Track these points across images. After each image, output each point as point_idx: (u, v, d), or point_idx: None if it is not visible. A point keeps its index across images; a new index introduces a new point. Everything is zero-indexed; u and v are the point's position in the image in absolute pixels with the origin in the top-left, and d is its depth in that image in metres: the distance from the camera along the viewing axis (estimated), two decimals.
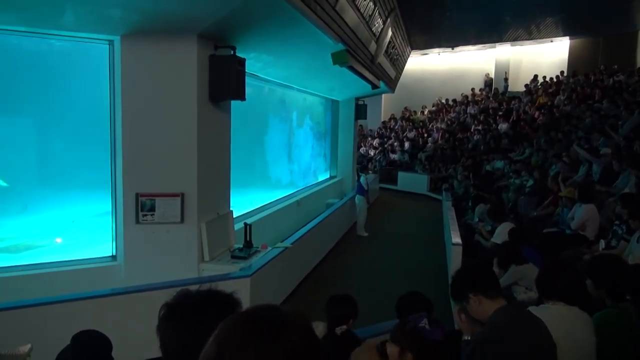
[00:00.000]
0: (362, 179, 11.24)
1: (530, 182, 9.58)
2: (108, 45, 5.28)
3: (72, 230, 5.67)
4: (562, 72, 19.56)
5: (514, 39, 19.53)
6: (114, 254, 5.50)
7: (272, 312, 0.95)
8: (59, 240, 5.64)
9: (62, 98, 5.57)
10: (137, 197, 5.21)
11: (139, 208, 5.22)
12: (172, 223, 5.28)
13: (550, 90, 18.12)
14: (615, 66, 17.30)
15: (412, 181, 17.53)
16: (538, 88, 19.19)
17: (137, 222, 5.24)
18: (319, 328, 3.38)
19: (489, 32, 18.01)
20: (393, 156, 19.77)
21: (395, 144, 20.68)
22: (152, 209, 5.23)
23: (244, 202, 7.82)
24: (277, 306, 0.98)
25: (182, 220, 5.30)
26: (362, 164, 16.30)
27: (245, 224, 6.15)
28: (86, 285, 4.90)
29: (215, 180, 5.82)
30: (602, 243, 5.50)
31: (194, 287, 1.43)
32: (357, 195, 11.05)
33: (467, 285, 2.19)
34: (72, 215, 5.67)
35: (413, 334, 2.08)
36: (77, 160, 5.66)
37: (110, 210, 5.47)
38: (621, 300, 2.93)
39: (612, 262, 3.17)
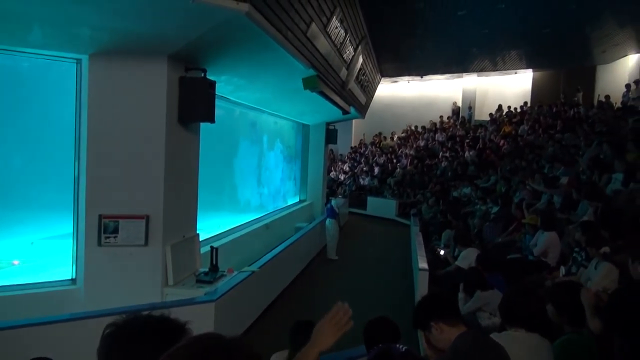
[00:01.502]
0: (333, 202, 11.27)
1: (495, 209, 9.79)
2: (76, 64, 5.20)
3: (31, 252, 5.48)
4: (525, 103, 20.27)
5: (480, 69, 20.17)
6: (74, 277, 5.32)
7: (218, 339, 0.95)
8: (16, 262, 5.44)
9: (25, 116, 5.44)
10: (100, 219, 5.09)
11: (102, 230, 5.09)
12: (136, 246, 5.16)
13: (514, 120, 18.72)
14: (576, 98, 18.07)
15: (381, 206, 17.71)
16: (503, 118, 19.80)
17: (99, 244, 5.10)
18: (284, 355, 3.32)
19: (456, 62, 18.56)
20: (363, 181, 19.94)
21: (365, 168, 20.89)
22: (116, 230, 5.11)
23: (211, 225, 7.73)
24: (219, 333, 0.98)
25: (147, 242, 5.19)
26: (332, 188, 16.36)
27: (212, 247, 6.07)
28: (44, 309, 4.74)
29: (182, 203, 5.74)
30: (563, 270, 5.64)
31: (141, 312, 1.34)
32: (328, 219, 11.04)
33: (428, 315, 2.21)
34: (31, 237, 5.49)
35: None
36: (38, 179, 5.51)
37: (72, 231, 5.31)
38: (581, 326, 3.00)
39: (572, 288, 3.26)
